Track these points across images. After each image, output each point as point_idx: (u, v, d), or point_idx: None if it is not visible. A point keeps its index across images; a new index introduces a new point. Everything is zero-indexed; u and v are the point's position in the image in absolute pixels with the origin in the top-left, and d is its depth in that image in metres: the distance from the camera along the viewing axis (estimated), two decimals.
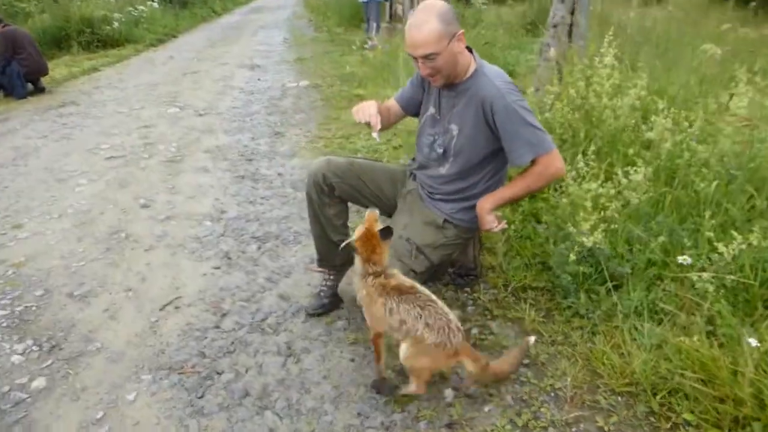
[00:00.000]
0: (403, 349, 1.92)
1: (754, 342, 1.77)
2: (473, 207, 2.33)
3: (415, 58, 2.11)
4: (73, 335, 2.59)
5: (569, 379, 2.11)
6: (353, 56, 8.62)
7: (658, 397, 1.97)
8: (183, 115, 6.32)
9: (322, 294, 2.71)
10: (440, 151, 2.33)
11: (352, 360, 2.38)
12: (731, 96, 2.43)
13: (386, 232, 1.98)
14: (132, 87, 7.80)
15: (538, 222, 2.80)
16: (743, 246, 2.08)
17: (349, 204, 2.62)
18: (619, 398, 2.03)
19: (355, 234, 2.02)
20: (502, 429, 1.95)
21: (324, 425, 2.03)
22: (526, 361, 2.24)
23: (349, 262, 2.17)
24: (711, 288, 2.09)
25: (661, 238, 2.34)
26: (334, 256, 2.66)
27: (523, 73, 6.14)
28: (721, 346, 1.96)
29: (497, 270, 2.82)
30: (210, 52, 10.53)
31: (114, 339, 2.57)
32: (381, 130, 2.31)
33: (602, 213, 2.44)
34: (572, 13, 4.79)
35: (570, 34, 4.87)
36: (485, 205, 2.22)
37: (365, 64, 7.13)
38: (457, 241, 2.45)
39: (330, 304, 2.70)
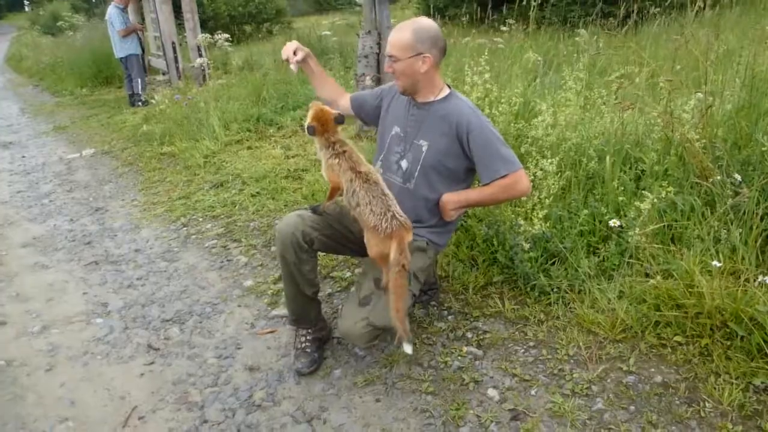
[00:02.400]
0: (366, 240, 2.21)
1: (717, 263, 2.30)
2: (443, 233, 2.52)
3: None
4: None
5: (581, 344, 2.43)
6: (128, 115, 7.96)
7: (648, 334, 2.40)
8: None
9: (308, 350, 2.60)
10: (405, 165, 2.45)
11: (378, 400, 2.36)
12: (618, 87, 3.04)
13: (340, 118, 2.24)
14: None
15: (479, 221, 3.08)
16: (655, 200, 2.64)
17: None
18: (621, 345, 2.42)
19: (309, 116, 2.24)
20: (560, 404, 2.17)
21: None
22: (532, 344, 2.50)
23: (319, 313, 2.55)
24: (642, 239, 2.62)
25: (585, 212, 2.82)
26: (309, 310, 2.60)
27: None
28: (674, 278, 2.47)
29: (449, 279, 3.03)
30: None
31: None
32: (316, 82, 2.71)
33: (532, 203, 2.83)
34: (378, 43, 5.26)
35: (378, 63, 5.34)
36: (451, 198, 2.39)
37: (159, 120, 6.67)
38: (434, 259, 2.61)
39: (320, 357, 2.61)
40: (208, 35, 7.04)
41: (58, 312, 3.30)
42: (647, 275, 2.64)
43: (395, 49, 2.28)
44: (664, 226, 2.71)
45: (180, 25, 9.04)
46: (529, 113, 3.48)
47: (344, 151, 2.21)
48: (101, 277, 3.68)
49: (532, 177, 2.93)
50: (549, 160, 2.84)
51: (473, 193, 2.47)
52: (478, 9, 8.60)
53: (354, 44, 9.09)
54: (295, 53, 2.53)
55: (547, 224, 2.77)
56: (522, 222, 2.74)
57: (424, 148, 2.40)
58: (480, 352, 2.50)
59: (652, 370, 2.28)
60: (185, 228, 4.30)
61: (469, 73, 3.47)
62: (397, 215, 2.11)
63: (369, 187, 2.14)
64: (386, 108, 2.56)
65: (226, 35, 6.72)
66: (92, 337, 3.03)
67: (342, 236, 2.53)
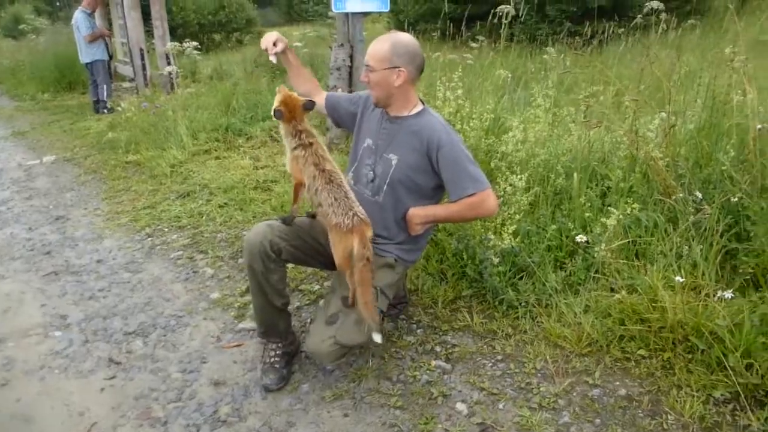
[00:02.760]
0: (330, 242, 2.24)
1: (679, 279, 2.35)
2: (413, 250, 2.53)
3: None
4: None
5: (548, 358, 2.45)
6: (92, 122, 7.79)
7: (613, 348, 2.44)
8: None
9: (277, 366, 2.56)
10: (374, 178, 2.45)
11: (346, 415, 2.34)
12: (586, 106, 3.11)
13: (309, 104, 2.28)
14: None
15: (449, 235, 3.09)
16: (620, 216, 2.70)
17: None
18: (587, 358, 2.45)
19: (276, 100, 2.24)
20: (527, 418, 2.18)
21: None
22: (500, 357, 2.52)
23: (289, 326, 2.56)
24: (608, 254, 2.67)
25: (553, 227, 2.86)
26: (278, 322, 2.57)
27: None
28: (638, 293, 2.52)
29: (419, 292, 3.03)
30: None
31: None
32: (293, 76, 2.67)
33: (502, 218, 2.86)
34: (351, 56, 5.28)
35: (350, 76, 5.35)
36: (418, 212, 2.41)
37: (124, 128, 6.54)
38: (403, 274, 2.61)
39: (288, 373, 2.58)
40: (177, 43, 6.96)
41: (15, 324, 3.18)
42: (612, 290, 2.69)
43: (372, 59, 2.31)
44: (629, 241, 2.77)
45: (148, 32, 8.92)
46: (498, 129, 3.53)
47: (311, 143, 2.22)
48: (61, 289, 3.57)
49: (502, 192, 2.96)
50: (519, 176, 2.88)
51: (440, 209, 2.48)
52: (450, 25, 8.71)
53: (325, 56, 9.11)
54: (275, 44, 2.51)
55: (516, 239, 2.80)
56: (492, 236, 2.76)
57: (394, 162, 2.40)
58: (448, 366, 2.51)
59: (617, 383, 2.32)
60: (150, 238, 4.22)
61: (441, 89, 3.51)
62: (358, 213, 2.16)
63: (332, 189, 2.17)
64: (361, 118, 2.57)
65: (195, 43, 6.64)
66: (50, 350, 2.93)
67: (311, 248, 2.51)
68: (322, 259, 2.56)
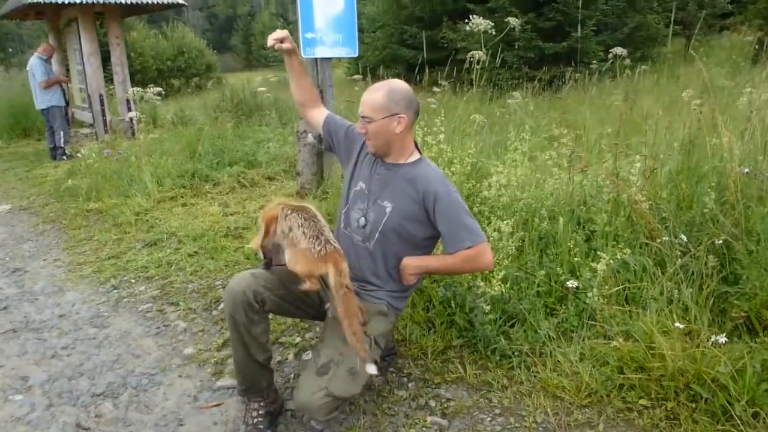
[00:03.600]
0: (286, 255, 2.21)
1: (679, 325, 2.33)
2: (402, 298, 2.47)
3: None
4: None
5: (548, 410, 2.37)
6: (50, 169, 7.51)
7: (614, 397, 2.38)
8: None
9: (261, 426, 2.40)
10: (365, 224, 2.37)
11: None
12: (571, 152, 3.12)
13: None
14: None
15: (433, 282, 3.01)
16: (611, 261, 2.69)
17: None
18: (588, 410, 2.38)
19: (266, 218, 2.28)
20: None
21: None
22: (498, 411, 2.43)
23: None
24: (600, 300, 2.64)
25: (542, 273, 2.83)
26: (260, 379, 2.43)
27: (266, 161, 6.33)
28: (634, 340, 2.49)
29: (407, 343, 2.93)
30: None
31: None
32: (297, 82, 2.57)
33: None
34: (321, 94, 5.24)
35: None
36: (412, 263, 2.32)
37: (84, 175, 6.30)
38: (394, 324, 2.52)
39: None
40: (139, 89, 6.83)
41: None
42: (605, 336, 2.66)
43: (369, 109, 2.24)
44: (619, 287, 2.75)
45: (106, 77, 8.76)
46: (477, 173, 3.52)
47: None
48: (20, 347, 3.32)
49: (488, 238, 2.92)
50: (505, 221, 2.85)
51: (435, 261, 2.42)
52: (407, 70, 8.84)
53: (287, 99, 9.12)
54: (282, 41, 2.44)
55: (506, 285, 2.75)
56: (481, 283, 2.70)
57: (388, 210, 2.33)
58: (445, 422, 2.39)
59: None
60: (116, 290, 4.00)
61: (420, 133, 3.49)
62: (330, 241, 2.12)
63: (301, 214, 2.18)
64: (357, 157, 2.49)
65: (159, 89, 6.51)
66: (10, 416, 2.69)
67: (296, 297, 2.39)
68: (308, 309, 2.45)
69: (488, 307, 2.67)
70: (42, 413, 2.71)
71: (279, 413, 2.52)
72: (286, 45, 2.46)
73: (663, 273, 2.78)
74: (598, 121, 5.56)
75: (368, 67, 15.87)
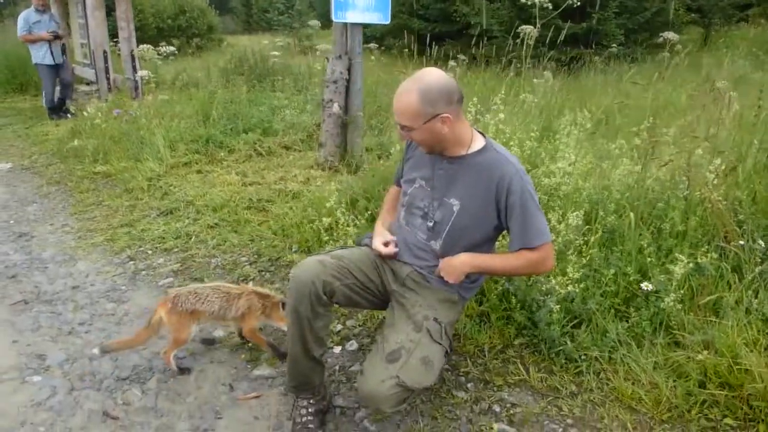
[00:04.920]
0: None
1: None
2: (472, 288, 2.29)
3: None
4: None
5: (629, 425, 2.19)
6: (50, 127, 7.14)
7: (694, 413, 2.20)
8: None
9: (311, 426, 2.20)
10: (431, 224, 2.16)
11: None
12: (653, 142, 2.88)
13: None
14: None
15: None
16: (690, 265, 2.49)
17: None
18: (668, 425, 2.20)
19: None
20: None
21: None
22: (569, 421, 2.24)
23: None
24: (679, 306, 2.45)
25: (611, 271, 2.63)
26: (313, 376, 2.23)
27: (283, 129, 6.03)
28: (722, 354, 2.30)
29: (460, 338, 2.73)
30: None
31: None
32: None
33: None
34: (348, 69, 4.97)
35: (347, 89, 5.05)
36: (470, 261, 2.09)
37: (90, 135, 5.96)
38: (461, 314, 2.33)
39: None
40: (149, 46, 6.46)
41: None
42: (679, 345, 2.48)
43: (405, 118, 1.96)
44: (692, 291, 2.56)
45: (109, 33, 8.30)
46: (534, 159, 3.28)
47: None
48: (33, 321, 3.08)
49: (553, 228, 2.71)
50: (574, 213, 2.63)
51: (497, 262, 2.16)
52: (416, 41, 8.49)
53: (292, 66, 8.77)
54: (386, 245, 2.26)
55: (576, 284, 2.54)
56: (553, 280, 2.49)
57: (456, 209, 2.09)
58: (513, 431, 2.20)
59: None
60: (132, 262, 3.75)
61: (473, 111, 3.24)
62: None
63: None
64: (408, 157, 2.30)
65: (171, 47, 6.16)
66: (30, 400, 2.46)
67: (363, 286, 2.21)
68: (374, 298, 2.26)
69: (557, 307, 2.46)
70: (64, 398, 2.48)
71: (327, 410, 2.33)
72: (391, 248, 2.25)
73: (740, 280, 2.59)
74: (633, 108, 5.33)
75: (375, 36, 15.42)
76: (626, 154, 3.10)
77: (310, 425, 2.19)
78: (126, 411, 2.41)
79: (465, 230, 2.11)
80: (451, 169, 2.10)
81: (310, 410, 2.23)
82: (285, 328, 2.43)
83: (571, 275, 2.48)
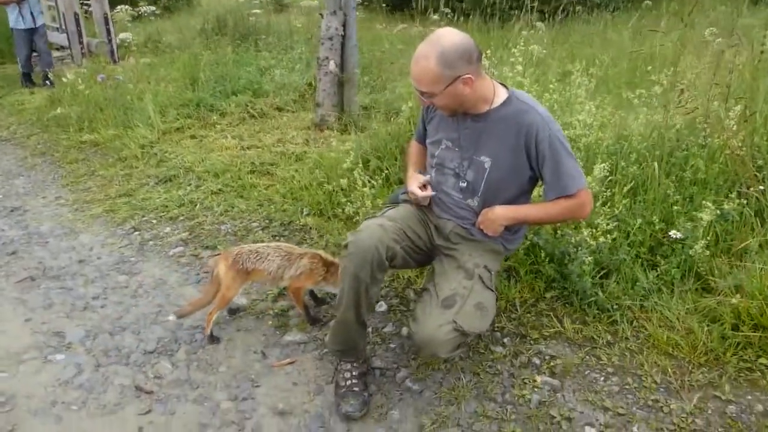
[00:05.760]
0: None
1: None
2: (515, 240, 2.29)
3: None
4: None
5: (669, 370, 2.22)
6: (26, 96, 6.83)
7: (729, 355, 2.24)
8: None
9: (356, 389, 2.19)
10: (465, 184, 2.13)
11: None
12: (680, 91, 2.84)
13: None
14: None
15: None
16: (717, 212, 2.50)
17: None
18: (705, 369, 2.24)
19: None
20: None
21: None
22: (610, 370, 2.26)
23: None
24: (707, 252, 2.47)
25: (637, 221, 2.63)
26: (359, 340, 2.22)
27: (273, 90, 5.86)
28: (752, 297, 2.33)
29: None
30: None
31: None
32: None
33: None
34: (344, 25, 4.82)
35: (343, 46, 4.90)
36: (505, 213, 2.09)
37: (71, 103, 5.71)
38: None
39: (369, 396, 2.21)
40: (127, 6, 6.16)
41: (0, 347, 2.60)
42: (705, 290, 2.51)
43: (425, 84, 1.91)
44: (716, 237, 2.58)
45: None
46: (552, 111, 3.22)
47: None
48: (44, 298, 2.98)
49: None
50: (601, 165, 2.61)
51: (533, 211, 2.16)
52: None
53: (282, 23, 8.49)
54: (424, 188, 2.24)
55: (607, 235, 2.54)
56: (584, 232, 2.48)
57: (487, 165, 2.06)
58: (556, 382, 2.22)
59: (749, 397, 2.11)
60: (137, 232, 3.64)
61: (486, 64, 3.16)
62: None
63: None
64: (430, 119, 2.26)
65: (152, 7, 5.89)
66: (56, 379, 2.40)
67: (415, 246, 2.20)
68: (422, 257, 2.26)
69: (590, 259, 2.46)
70: (92, 375, 2.42)
71: (368, 373, 2.31)
72: (428, 190, 2.22)
73: (761, 224, 2.62)
74: (618, 59, 5.28)
75: None
76: (645, 103, 3.07)
77: (355, 388, 2.18)
78: (159, 384, 2.36)
79: (500, 186, 2.08)
80: (476, 127, 2.06)
81: (354, 373, 2.22)
82: (336, 292, 2.37)
83: (604, 227, 2.47)
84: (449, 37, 1.87)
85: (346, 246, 2.03)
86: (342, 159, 3.20)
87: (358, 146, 3.35)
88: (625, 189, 2.63)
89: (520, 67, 3.05)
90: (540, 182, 2.12)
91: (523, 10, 9.10)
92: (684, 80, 3.01)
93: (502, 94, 2.05)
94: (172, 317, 2.58)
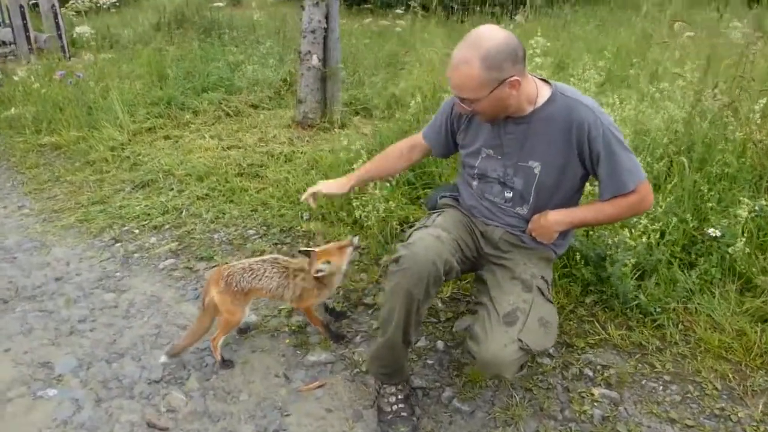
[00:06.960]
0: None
1: None
2: (564, 244, 2.13)
3: None
4: None
5: (729, 375, 2.11)
6: None
7: None
8: None
9: (404, 414, 1.99)
10: (512, 194, 1.97)
11: None
12: (715, 84, 2.74)
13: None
14: None
15: None
16: (756, 207, 2.42)
17: None
18: (762, 372, 2.14)
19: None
20: None
21: None
22: (667, 378, 2.14)
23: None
24: (747, 249, 2.39)
25: (674, 219, 2.52)
26: (404, 361, 2.03)
27: (247, 87, 5.55)
28: None
29: None
30: None
31: None
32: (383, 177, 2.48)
33: None
34: (326, 17, 4.58)
35: (325, 39, 4.67)
36: (560, 218, 1.93)
37: (24, 102, 5.22)
38: None
39: (418, 421, 2.01)
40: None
41: None
42: (745, 289, 2.43)
43: (468, 91, 1.75)
44: (751, 234, 2.50)
45: None
46: None
47: None
48: (21, 323, 2.65)
49: None
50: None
51: (585, 212, 1.98)
52: None
53: (245, 17, 8.13)
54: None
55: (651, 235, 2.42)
56: (625, 232, 2.35)
57: (537, 170, 1.90)
58: (615, 395, 2.08)
59: None
60: (119, 244, 3.32)
61: None
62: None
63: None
64: (462, 129, 2.08)
65: None
66: (52, 420, 2.10)
67: (464, 256, 2.02)
68: (468, 266, 2.09)
69: (633, 260, 2.33)
70: (94, 412, 2.14)
71: (411, 394, 2.12)
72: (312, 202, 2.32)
73: None
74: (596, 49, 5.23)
75: None
76: (667, 97, 2.97)
77: (403, 413, 1.99)
78: (174, 419, 2.10)
79: (552, 189, 1.93)
80: (520, 131, 1.89)
81: (399, 396, 2.02)
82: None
83: (647, 226, 2.35)
84: (491, 35, 1.70)
85: (397, 260, 1.82)
86: (353, 159, 2.97)
87: (359, 145, 3.12)
88: (670, 186, 2.51)
89: (539, 60, 2.90)
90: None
91: (487, 3, 9.04)
92: (696, 75, 2.93)
93: (545, 91, 1.88)
94: (163, 359, 2.29)
